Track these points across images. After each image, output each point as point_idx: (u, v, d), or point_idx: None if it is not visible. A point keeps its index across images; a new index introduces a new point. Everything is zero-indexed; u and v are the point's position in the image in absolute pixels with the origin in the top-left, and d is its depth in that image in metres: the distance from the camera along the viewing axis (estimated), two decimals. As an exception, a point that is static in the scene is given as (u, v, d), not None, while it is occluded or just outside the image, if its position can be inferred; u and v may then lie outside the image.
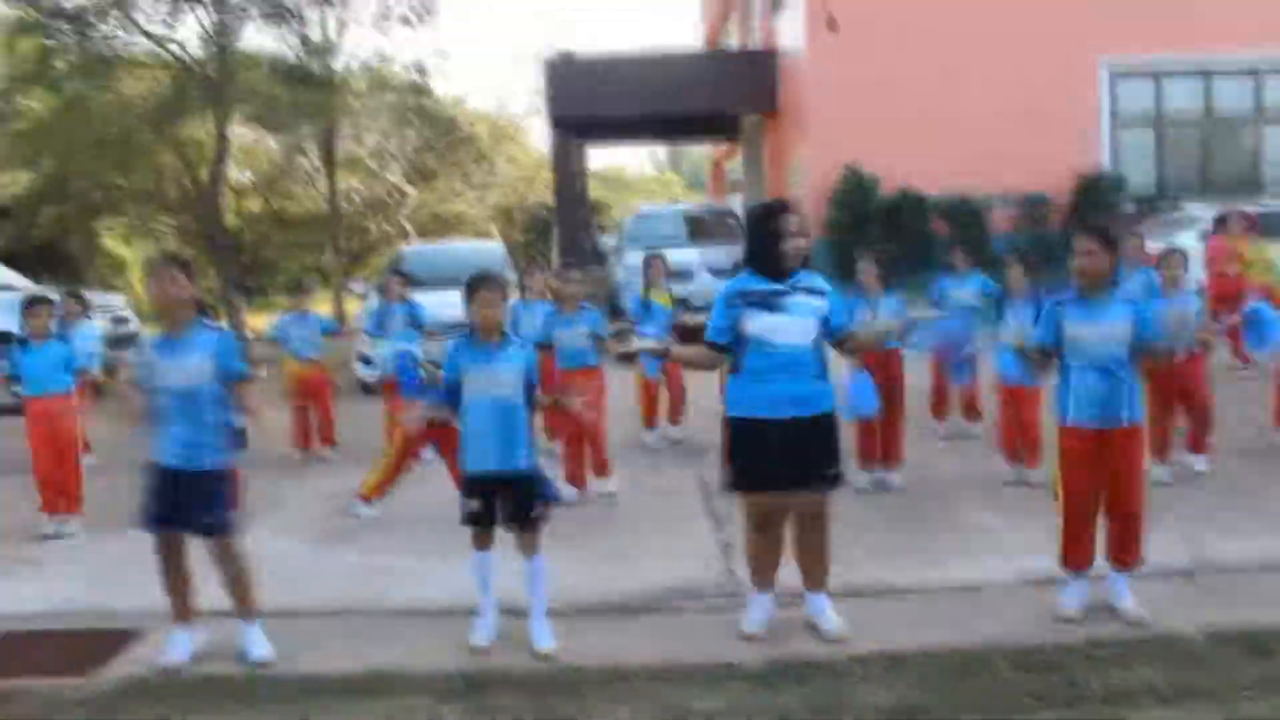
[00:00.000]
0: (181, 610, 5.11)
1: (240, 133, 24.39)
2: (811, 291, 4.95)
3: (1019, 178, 17.66)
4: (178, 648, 5.03)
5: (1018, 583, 5.59)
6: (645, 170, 76.71)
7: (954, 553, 6.19)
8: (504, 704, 4.46)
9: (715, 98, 22.79)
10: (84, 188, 25.66)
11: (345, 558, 6.66)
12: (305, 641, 5.21)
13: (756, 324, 4.85)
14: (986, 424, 8.70)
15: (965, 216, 17.56)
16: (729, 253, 15.28)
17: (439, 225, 36.12)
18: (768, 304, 4.85)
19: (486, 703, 4.47)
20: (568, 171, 23.51)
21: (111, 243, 33.28)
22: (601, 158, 43.64)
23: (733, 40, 29.79)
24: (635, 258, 14.92)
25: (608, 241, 17.19)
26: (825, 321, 4.95)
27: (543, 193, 33.40)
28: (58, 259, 31.50)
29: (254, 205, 32.36)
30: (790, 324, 4.86)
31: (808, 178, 18.80)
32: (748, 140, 26.48)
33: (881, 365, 7.23)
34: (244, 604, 5.10)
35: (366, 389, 12.72)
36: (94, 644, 5.33)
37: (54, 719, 4.47)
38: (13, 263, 17.73)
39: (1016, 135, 17.36)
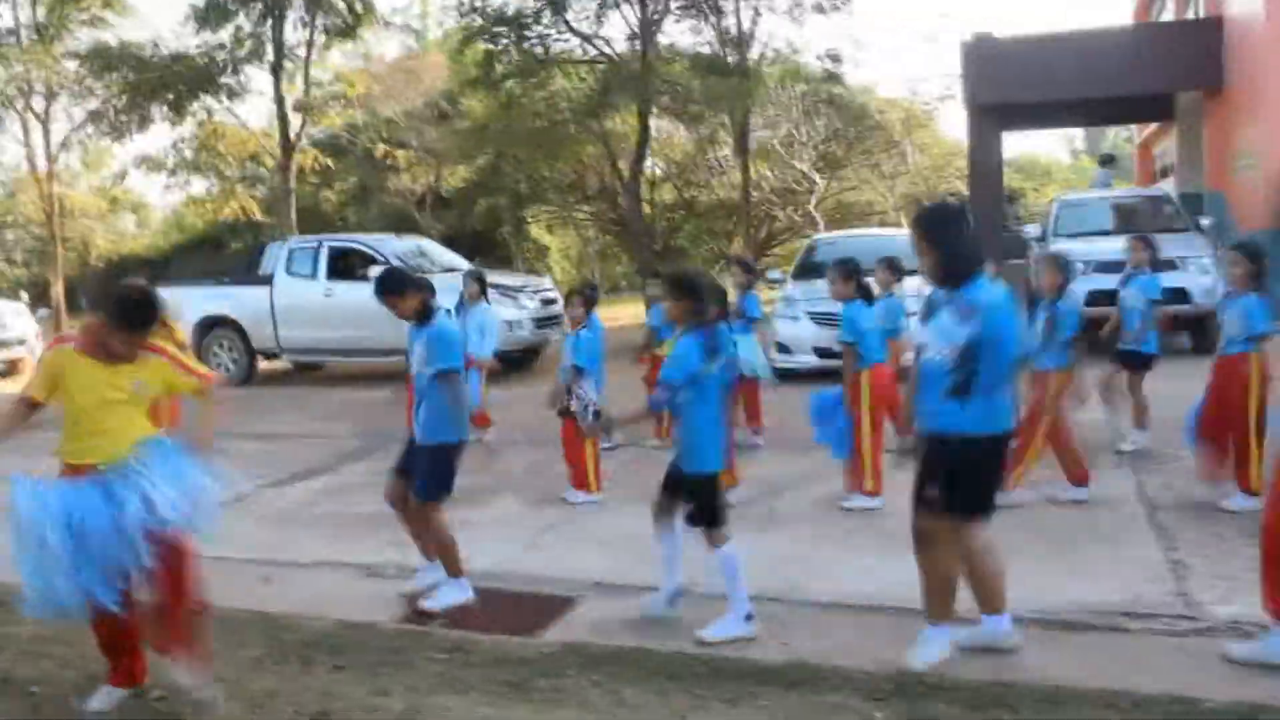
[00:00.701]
0: None
1: (655, 125, 25.34)
2: None
3: None
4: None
5: None
6: (1059, 157, 72.82)
7: None
8: (935, 712, 4.26)
9: (1148, 76, 21.09)
10: (514, 180, 27.72)
11: (757, 545, 6.67)
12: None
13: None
14: None
15: None
16: (1165, 243, 14.09)
17: (844, 214, 35.88)
18: None
19: (917, 709, 4.29)
20: (985, 159, 22.59)
21: (536, 231, 35.72)
22: (1013, 144, 41.79)
23: (1168, 12, 27.50)
24: (1066, 246, 14.08)
25: (1030, 231, 16.24)
26: None
27: (953, 182, 32.36)
28: (490, 245, 34.30)
29: (666, 195, 33.57)
30: None
31: (1262, 161, 16.98)
32: (1183, 121, 24.32)
33: None
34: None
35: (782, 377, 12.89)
36: (537, 606, 5.64)
37: (501, 672, 4.73)
38: (451, 247, 19.37)
39: None
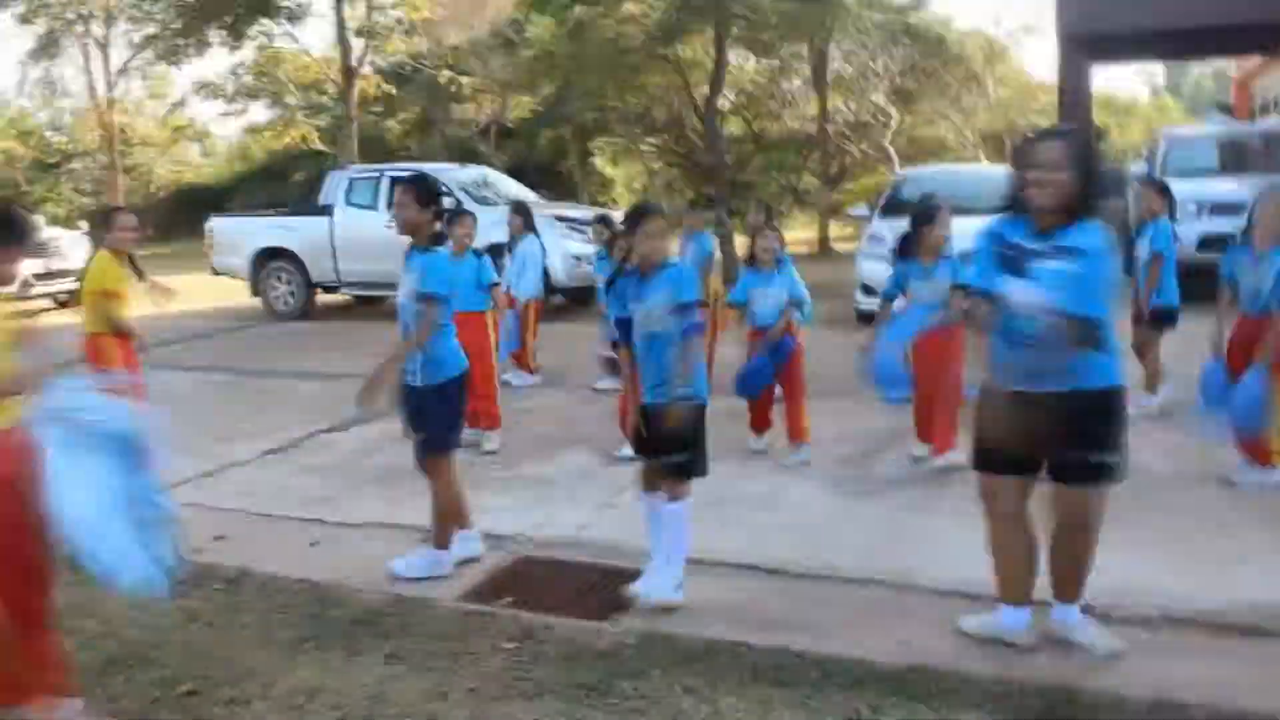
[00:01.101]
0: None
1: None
2: None
3: None
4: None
5: None
6: (1136, 94, 70.25)
7: None
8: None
9: (1251, 3, 19.79)
10: (579, 110, 26.88)
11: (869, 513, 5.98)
12: (835, 615, 4.58)
13: None
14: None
15: None
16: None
17: (916, 150, 34.66)
18: None
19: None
20: (1075, 93, 21.38)
21: (601, 163, 34.91)
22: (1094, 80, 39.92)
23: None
24: (1178, 186, 13.08)
25: (1135, 169, 15.19)
26: None
27: (1033, 117, 30.99)
28: (554, 177, 33.58)
29: (734, 127, 32.56)
30: None
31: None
32: (1292, 54, 22.87)
33: None
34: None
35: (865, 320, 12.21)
36: (610, 582, 4.99)
37: (577, 671, 4.10)
38: (516, 178, 18.69)
39: None
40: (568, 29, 20.18)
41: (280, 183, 32.82)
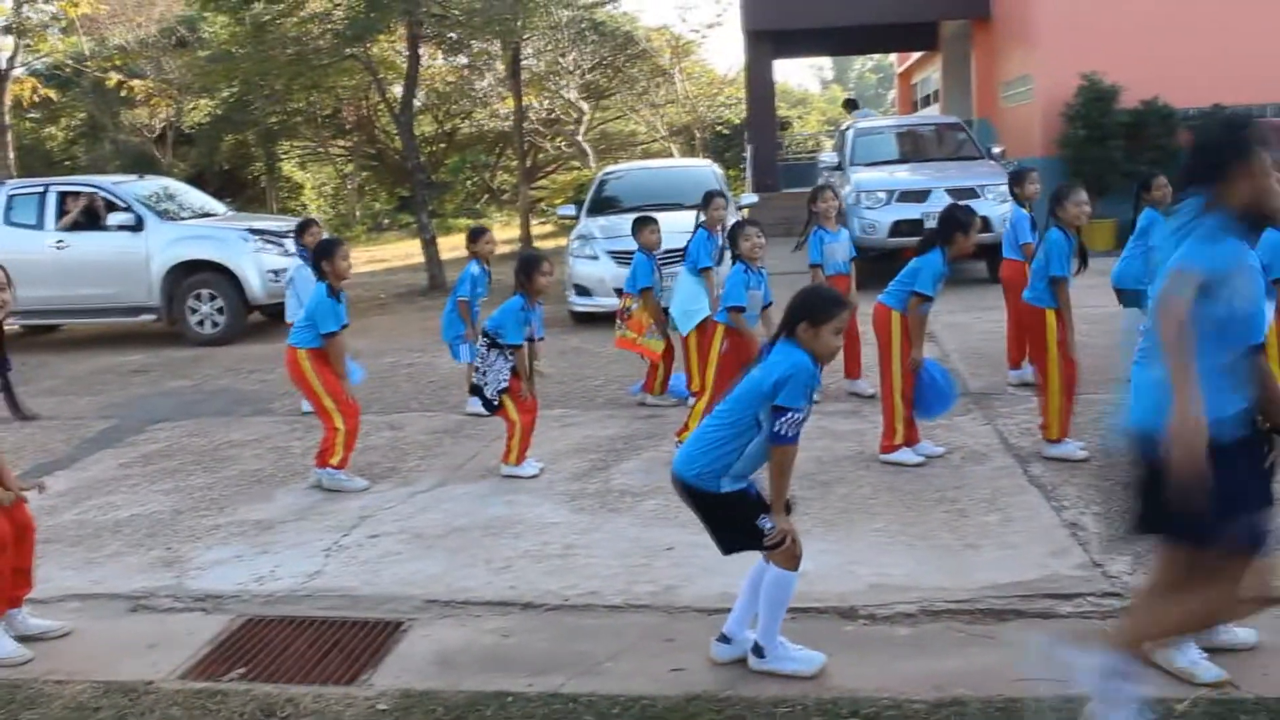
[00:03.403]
0: None
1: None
2: None
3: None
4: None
5: None
6: (808, 87, 74.26)
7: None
8: None
9: (917, 4, 21.26)
10: (264, 113, 25.54)
11: (617, 530, 5.77)
12: (603, 647, 4.34)
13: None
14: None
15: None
16: (962, 170, 13.93)
17: (608, 144, 35.11)
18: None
19: None
20: (761, 86, 22.21)
21: (288, 168, 33.41)
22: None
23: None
24: (866, 176, 13.68)
25: (826, 159, 15.84)
26: None
27: (720, 111, 32.02)
28: (239, 184, 31.83)
29: (425, 126, 31.89)
30: None
31: (1035, 90, 17.10)
32: (949, 50, 24.62)
33: None
34: None
35: (580, 321, 12.24)
36: (351, 638, 4.56)
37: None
38: (198, 187, 17.51)
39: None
40: (248, 29, 19.02)
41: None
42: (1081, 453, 6.41)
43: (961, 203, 7.59)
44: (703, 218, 8.34)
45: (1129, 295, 7.84)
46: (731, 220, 8.72)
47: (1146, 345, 3.38)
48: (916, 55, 29.73)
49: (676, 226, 10.93)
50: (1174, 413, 3.08)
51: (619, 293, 11.05)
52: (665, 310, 8.38)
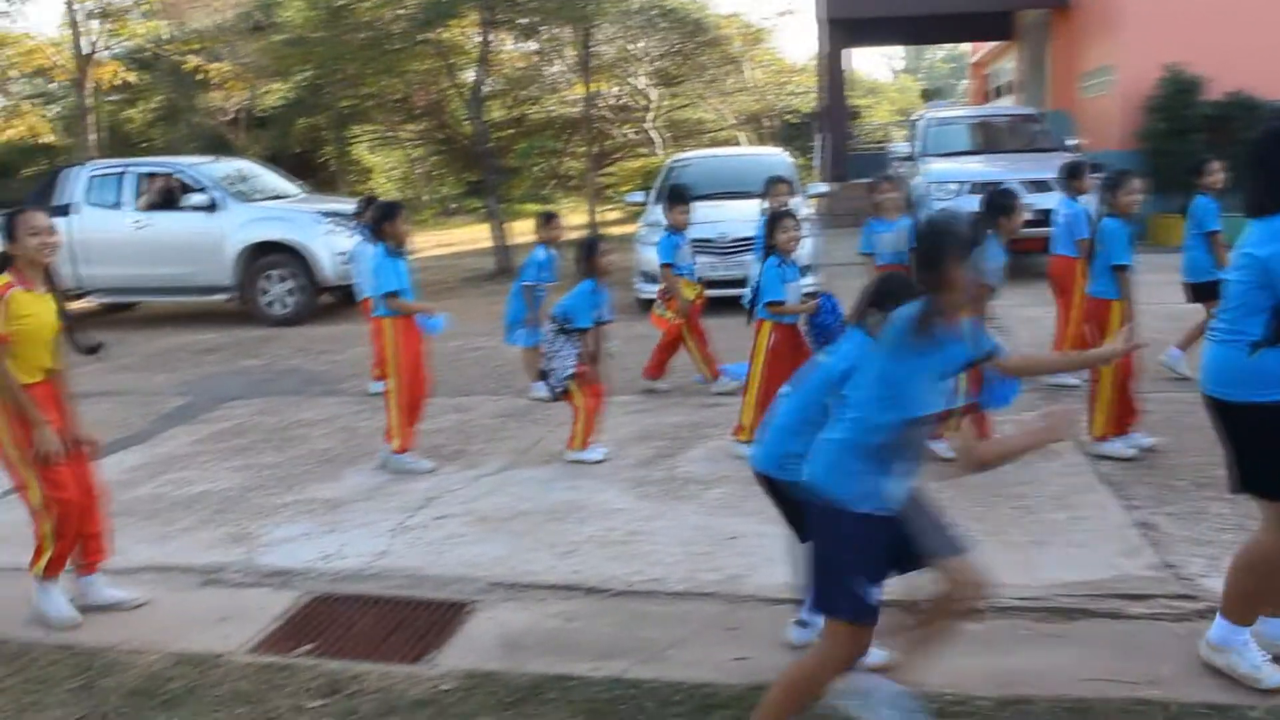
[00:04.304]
0: None
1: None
2: None
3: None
4: None
5: None
6: (878, 76, 73.45)
7: None
8: None
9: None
10: (336, 97, 25.81)
11: (681, 518, 5.77)
12: (666, 634, 4.34)
13: None
14: None
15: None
16: (1036, 162, 13.69)
17: (676, 132, 35.05)
18: None
19: None
20: (834, 75, 22.03)
21: (358, 151, 33.74)
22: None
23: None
24: (938, 167, 13.49)
25: (898, 149, 15.67)
26: None
27: (790, 99, 31.81)
28: (311, 167, 32.23)
29: (495, 112, 32.07)
30: None
31: (1117, 80, 16.76)
32: (1026, 40, 24.20)
33: None
34: None
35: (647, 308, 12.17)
36: (418, 616, 4.62)
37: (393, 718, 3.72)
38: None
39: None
40: (322, 13, 19.23)
41: (6, 180, 30.18)
42: (1130, 451, 6.29)
43: (1003, 188, 7.45)
44: (767, 205, 8.32)
45: (1200, 289, 7.75)
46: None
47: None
48: (991, 45, 29.27)
49: (745, 215, 10.90)
50: None
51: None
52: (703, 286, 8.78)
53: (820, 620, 4.02)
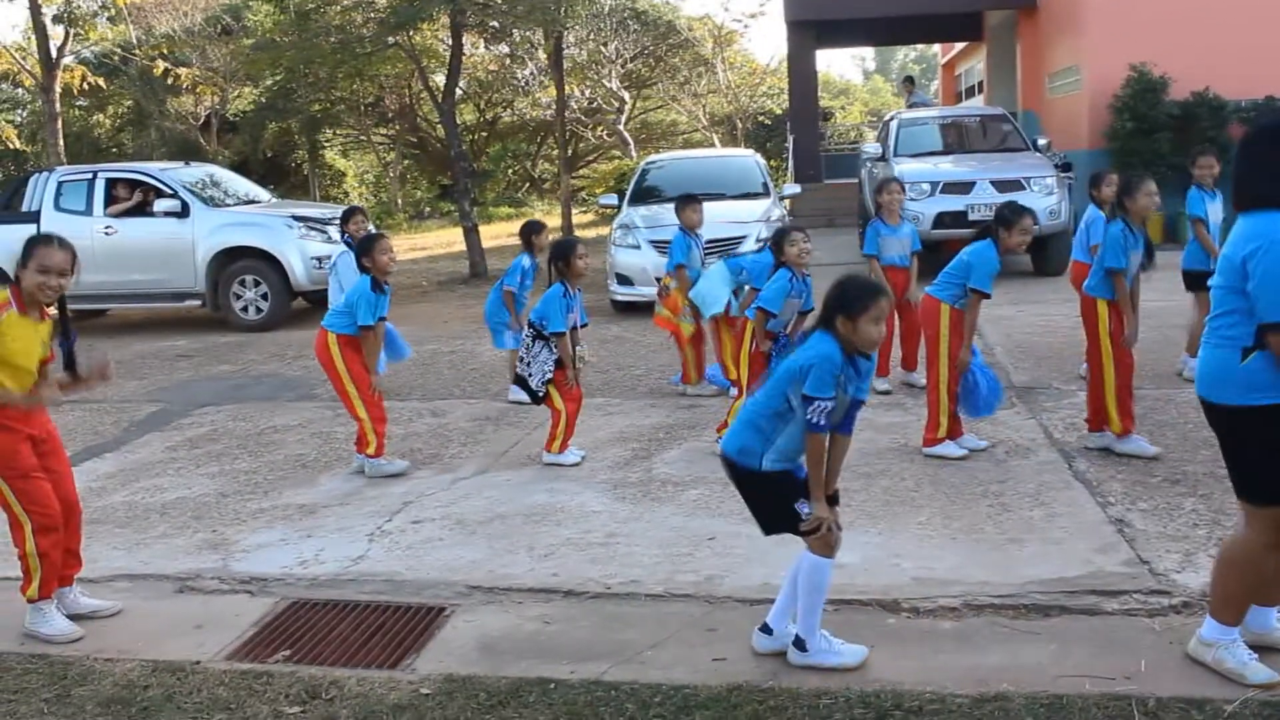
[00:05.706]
0: None
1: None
2: None
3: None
4: None
5: None
6: (849, 77, 73.65)
7: None
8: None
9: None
10: (306, 101, 25.69)
11: (659, 519, 5.77)
12: (644, 636, 4.34)
13: None
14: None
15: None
16: (1008, 163, 13.79)
17: (649, 134, 35.10)
18: None
19: None
20: (803, 76, 22.09)
21: (330, 155, 33.64)
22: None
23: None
24: (909, 168, 13.55)
25: (869, 150, 15.71)
26: None
27: (762, 101, 31.88)
28: (282, 172, 32.08)
29: (467, 115, 32.02)
30: None
31: (1083, 81, 16.90)
32: (994, 40, 24.37)
33: None
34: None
35: (622, 310, 12.28)
36: (399, 623, 4.60)
37: (372, 728, 3.70)
38: (241, 174, 17.68)
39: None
40: (291, 16, 19.16)
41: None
42: (1153, 449, 6.33)
43: (1010, 198, 7.55)
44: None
45: (1191, 276, 7.93)
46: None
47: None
48: (960, 46, 29.45)
49: (717, 216, 10.94)
50: None
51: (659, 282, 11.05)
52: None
53: (787, 629, 4.06)
